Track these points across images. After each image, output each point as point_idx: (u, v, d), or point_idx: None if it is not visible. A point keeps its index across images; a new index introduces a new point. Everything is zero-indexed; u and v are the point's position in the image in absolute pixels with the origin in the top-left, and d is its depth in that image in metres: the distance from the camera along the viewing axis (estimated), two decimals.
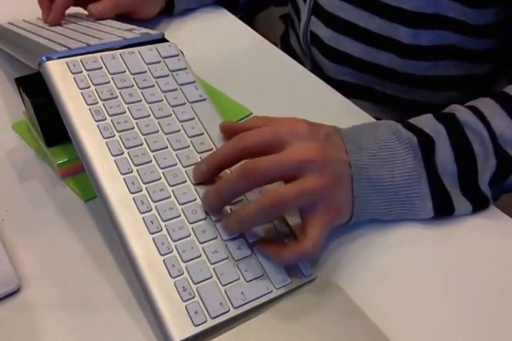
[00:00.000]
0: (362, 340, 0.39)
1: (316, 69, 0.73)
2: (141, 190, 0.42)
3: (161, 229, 0.40)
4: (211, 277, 0.39)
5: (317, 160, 0.40)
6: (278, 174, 0.40)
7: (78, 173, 0.49)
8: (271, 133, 0.41)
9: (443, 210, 0.45)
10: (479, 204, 0.46)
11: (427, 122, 0.46)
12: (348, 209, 0.43)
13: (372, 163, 0.43)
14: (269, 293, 0.40)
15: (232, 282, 0.40)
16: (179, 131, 0.46)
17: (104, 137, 0.43)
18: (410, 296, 0.41)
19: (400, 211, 0.45)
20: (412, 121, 0.47)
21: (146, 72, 0.48)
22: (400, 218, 0.45)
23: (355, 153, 0.43)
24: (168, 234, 0.40)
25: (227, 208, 0.42)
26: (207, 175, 0.43)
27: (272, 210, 0.39)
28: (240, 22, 0.73)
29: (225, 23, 0.73)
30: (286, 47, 0.83)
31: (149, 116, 0.46)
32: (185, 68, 0.50)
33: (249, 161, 0.40)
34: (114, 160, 0.43)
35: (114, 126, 0.44)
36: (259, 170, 0.39)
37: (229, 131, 0.45)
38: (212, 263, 0.40)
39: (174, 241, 0.40)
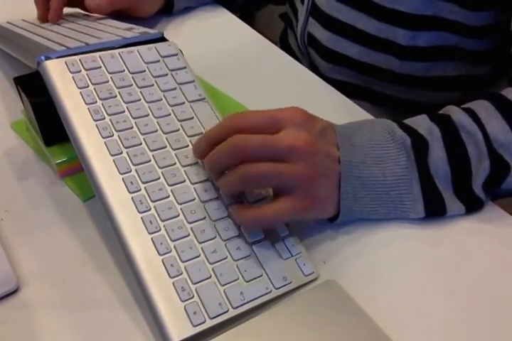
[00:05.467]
0: (363, 340, 0.38)
1: (314, 70, 0.73)
2: (139, 190, 0.42)
3: (160, 229, 0.40)
4: (210, 277, 0.39)
5: (305, 150, 0.40)
6: (264, 154, 0.40)
7: (77, 173, 0.49)
8: (268, 116, 0.42)
9: (435, 211, 0.45)
10: (473, 206, 0.46)
11: (421, 123, 0.46)
12: (331, 204, 0.43)
13: (363, 160, 0.43)
14: (269, 293, 0.40)
15: (231, 282, 0.39)
16: (178, 130, 0.46)
17: (102, 136, 0.43)
18: (411, 295, 0.41)
19: (389, 210, 0.45)
20: (407, 121, 0.47)
21: (145, 71, 0.48)
22: (388, 217, 0.45)
23: (346, 149, 0.43)
24: (167, 233, 0.40)
25: None
26: (205, 152, 0.43)
27: (245, 180, 0.40)
28: (240, 21, 0.73)
29: (225, 22, 0.73)
30: (284, 46, 0.83)
31: (148, 115, 0.46)
32: (185, 67, 0.50)
33: (238, 137, 0.40)
34: (113, 160, 0.43)
35: (112, 125, 0.44)
36: (246, 147, 0.40)
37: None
38: (211, 263, 0.40)
39: (173, 241, 0.40)
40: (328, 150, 0.42)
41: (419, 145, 0.44)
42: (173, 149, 0.45)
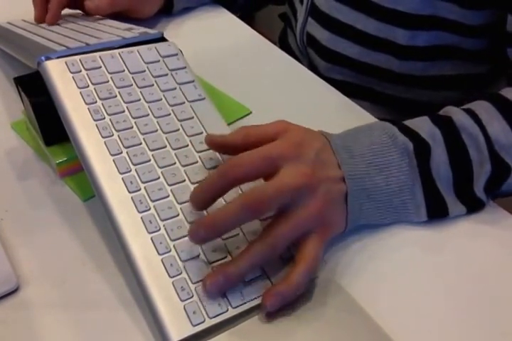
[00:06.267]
0: (364, 339, 0.38)
1: (313, 70, 0.73)
2: (139, 190, 0.42)
3: (160, 229, 0.40)
4: None
5: (307, 186, 0.40)
6: (279, 205, 0.39)
7: (77, 172, 0.49)
8: (262, 158, 0.40)
9: (437, 214, 0.45)
10: (474, 207, 0.46)
11: (422, 125, 0.45)
12: (342, 222, 0.43)
13: (366, 171, 0.43)
14: None
15: None
16: (178, 130, 0.46)
17: (102, 136, 0.43)
18: (411, 295, 0.41)
19: (393, 217, 0.45)
20: (407, 123, 0.46)
21: (145, 71, 0.48)
22: (392, 222, 0.45)
23: (347, 164, 0.43)
24: (167, 233, 0.40)
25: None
26: (202, 206, 0.41)
27: (268, 250, 0.39)
28: (239, 21, 0.73)
29: (224, 22, 0.73)
30: (284, 46, 0.83)
31: (148, 115, 0.46)
32: (185, 67, 0.50)
33: (250, 194, 0.38)
34: (113, 160, 0.43)
35: (112, 125, 0.44)
36: (263, 203, 0.38)
37: (215, 146, 0.44)
38: (210, 263, 0.40)
39: (173, 240, 0.40)
40: (329, 175, 0.42)
41: (422, 150, 0.44)
42: (173, 149, 0.45)
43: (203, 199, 0.40)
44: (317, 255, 0.40)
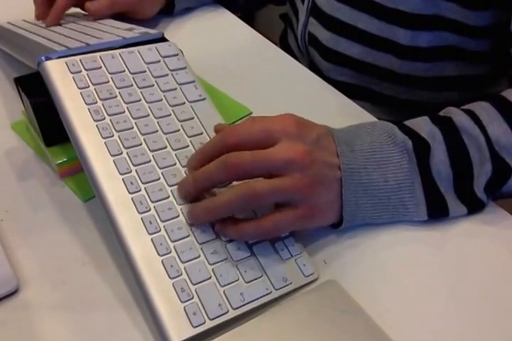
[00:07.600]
0: (363, 340, 0.38)
1: (314, 70, 0.73)
2: (139, 190, 0.42)
3: (160, 230, 0.40)
4: (210, 278, 0.39)
5: (301, 162, 0.40)
6: (259, 170, 0.40)
7: (77, 173, 0.49)
8: (260, 130, 0.41)
9: (437, 214, 0.45)
10: (474, 207, 0.46)
11: (423, 125, 0.46)
12: (332, 211, 0.43)
13: (364, 166, 0.43)
14: (269, 293, 0.40)
15: (231, 283, 0.39)
16: (178, 130, 0.46)
17: (103, 137, 0.43)
18: (412, 296, 0.41)
19: (391, 215, 0.45)
20: (408, 123, 0.46)
21: (145, 71, 0.48)
22: (392, 221, 0.45)
23: (346, 156, 0.43)
24: (167, 234, 0.40)
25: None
26: (196, 169, 0.42)
27: (244, 203, 0.40)
28: (240, 21, 0.73)
29: (225, 22, 0.73)
30: (284, 46, 0.82)
31: (148, 115, 0.46)
32: (185, 67, 0.50)
33: (232, 154, 0.40)
34: (113, 160, 0.43)
35: (113, 125, 0.44)
36: (241, 165, 0.39)
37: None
38: (211, 264, 0.40)
39: (173, 241, 0.40)
40: (325, 159, 0.42)
41: (421, 149, 0.44)
42: (174, 149, 0.45)
43: (198, 161, 0.42)
44: (277, 224, 0.40)
